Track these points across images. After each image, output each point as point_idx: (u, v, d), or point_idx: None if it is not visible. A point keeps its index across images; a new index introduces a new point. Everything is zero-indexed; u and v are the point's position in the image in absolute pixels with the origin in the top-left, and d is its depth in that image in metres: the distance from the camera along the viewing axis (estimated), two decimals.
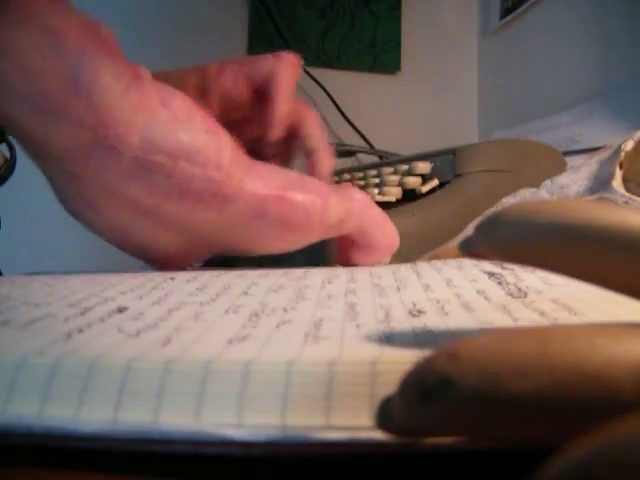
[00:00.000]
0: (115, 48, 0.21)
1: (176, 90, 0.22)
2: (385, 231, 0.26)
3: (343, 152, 0.70)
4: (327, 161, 0.34)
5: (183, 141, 0.20)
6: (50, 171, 0.22)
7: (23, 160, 0.26)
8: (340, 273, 0.24)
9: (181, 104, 0.21)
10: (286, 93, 0.34)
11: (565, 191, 0.35)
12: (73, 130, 0.19)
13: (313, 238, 0.24)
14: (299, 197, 0.22)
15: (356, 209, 0.24)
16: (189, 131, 0.21)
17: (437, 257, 0.31)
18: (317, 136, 0.34)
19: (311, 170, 0.34)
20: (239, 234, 0.23)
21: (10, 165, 0.42)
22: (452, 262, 0.27)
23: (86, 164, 0.20)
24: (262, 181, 0.22)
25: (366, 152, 0.75)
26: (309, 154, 0.34)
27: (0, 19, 0.18)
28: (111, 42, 0.21)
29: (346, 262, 0.27)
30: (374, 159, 0.76)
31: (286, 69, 0.36)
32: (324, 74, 0.94)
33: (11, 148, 0.42)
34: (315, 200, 0.23)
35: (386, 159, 0.64)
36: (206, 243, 0.23)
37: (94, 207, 0.21)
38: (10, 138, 0.40)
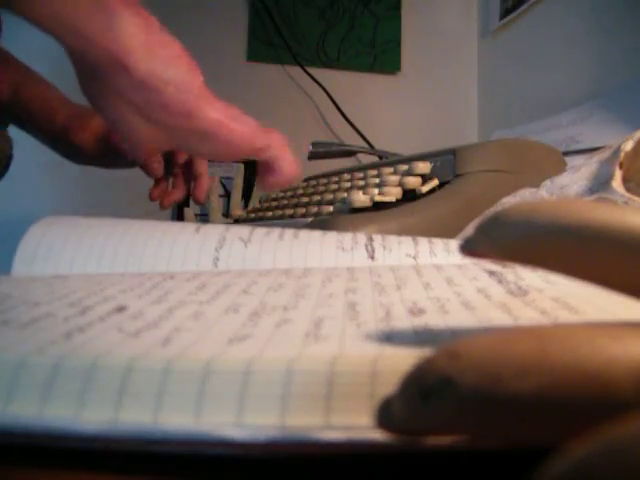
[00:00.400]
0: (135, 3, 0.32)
1: (173, 38, 0.33)
2: (290, 163, 0.37)
3: (343, 152, 0.69)
4: (205, 181, 0.52)
5: (172, 74, 0.32)
6: (83, 71, 0.33)
7: None
8: (340, 272, 0.24)
9: (175, 47, 0.33)
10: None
11: (565, 191, 0.35)
12: (109, 56, 0.30)
13: (242, 154, 0.36)
14: (238, 126, 0.34)
15: (274, 143, 0.36)
16: (178, 68, 0.32)
17: None
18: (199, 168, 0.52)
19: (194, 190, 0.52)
20: (195, 139, 0.34)
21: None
22: (452, 261, 0.27)
23: (111, 74, 0.31)
24: (216, 110, 0.34)
25: (366, 152, 0.75)
26: (194, 179, 0.52)
27: None
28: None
29: (260, 181, 0.39)
30: (374, 159, 0.76)
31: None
32: (324, 74, 0.94)
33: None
34: (247, 130, 0.35)
35: (386, 159, 0.64)
36: (171, 139, 0.35)
37: (108, 100, 0.33)
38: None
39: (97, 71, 0.31)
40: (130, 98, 0.31)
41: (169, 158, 0.51)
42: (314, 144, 0.67)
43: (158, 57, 0.31)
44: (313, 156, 0.66)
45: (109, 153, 0.51)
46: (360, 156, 0.86)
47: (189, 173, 0.52)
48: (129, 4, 0.31)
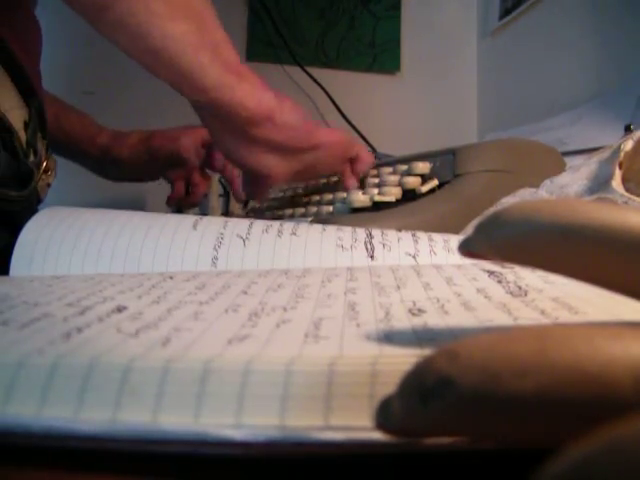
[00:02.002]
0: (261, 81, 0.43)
1: (286, 98, 0.44)
2: (366, 152, 0.52)
3: None
4: (240, 187, 0.60)
5: (295, 114, 0.44)
6: (226, 130, 0.43)
7: None
8: (340, 272, 0.24)
9: (286, 98, 0.43)
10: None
11: (565, 191, 0.35)
12: (261, 114, 0.42)
13: (345, 157, 0.50)
14: (339, 134, 0.49)
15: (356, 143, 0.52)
16: (294, 109, 0.44)
17: None
18: (232, 172, 0.64)
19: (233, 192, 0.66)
20: (313, 155, 0.46)
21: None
22: (451, 261, 0.27)
23: (258, 126, 0.42)
24: (323, 129, 0.49)
25: (378, 157, 0.75)
26: (229, 183, 0.66)
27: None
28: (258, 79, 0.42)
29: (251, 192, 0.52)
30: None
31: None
32: (323, 74, 0.94)
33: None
34: (343, 136, 0.50)
35: (378, 160, 0.65)
36: (297, 165, 0.46)
37: (247, 148, 0.44)
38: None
39: (246, 127, 0.42)
40: (274, 138, 0.43)
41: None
42: None
43: (285, 106, 0.43)
44: None
45: (145, 166, 0.63)
46: None
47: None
48: (259, 79, 0.42)
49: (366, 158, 0.50)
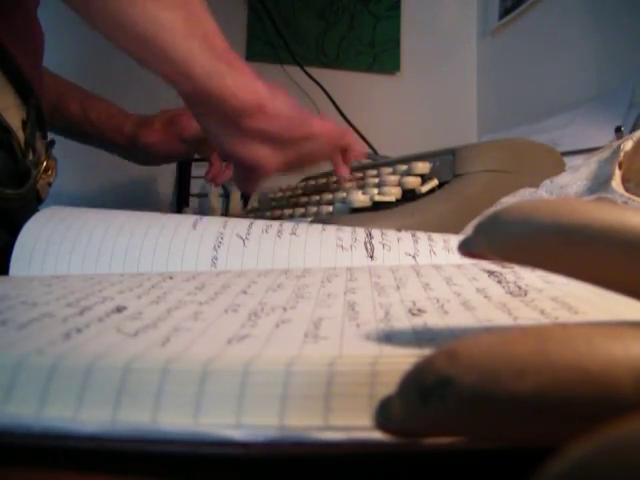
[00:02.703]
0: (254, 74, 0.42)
1: (278, 89, 0.43)
2: (356, 142, 0.53)
3: None
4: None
5: (288, 105, 0.43)
6: (219, 123, 0.42)
7: None
8: (339, 272, 0.24)
9: (279, 90, 0.43)
10: None
11: (564, 191, 0.35)
12: (254, 104, 0.41)
13: (336, 147, 0.49)
14: (331, 125, 0.48)
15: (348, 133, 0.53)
16: (287, 100, 0.43)
17: None
18: None
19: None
20: (306, 145, 0.46)
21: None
22: (451, 261, 0.27)
23: (251, 116, 0.41)
24: (315, 118, 0.47)
25: (371, 158, 0.75)
26: None
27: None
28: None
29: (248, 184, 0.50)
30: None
31: None
32: (323, 74, 0.94)
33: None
34: (334, 126, 0.49)
35: (373, 161, 0.65)
36: (289, 155, 0.45)
37: (240, 139, 0.43)
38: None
39: (237, 117, 0.41)
40: (266, 128, 0.42)
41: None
42: None
43: (277, 98, 0.42)
44: None
45: (172, 149, 0.63)
46: None
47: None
48: (250, 69, 0.41)
49: (357, 147, 0.51)
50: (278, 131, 0.43)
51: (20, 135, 0.40)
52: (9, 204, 0.38)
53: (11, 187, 0.38)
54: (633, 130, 0.56)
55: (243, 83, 0.40)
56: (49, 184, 0.46)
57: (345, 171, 0.50)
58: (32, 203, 0.43)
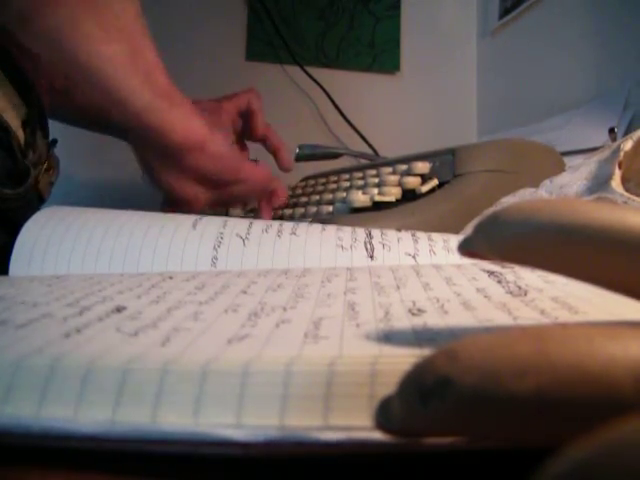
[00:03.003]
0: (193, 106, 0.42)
1: (216, 130, 0.43)
2: (282, 189, 0.52)
3: (328, 154, 0.69)
4: (286, 154, 0.59)
5: (227, 146, 0.45)
6: (154, 157, 0.43)
7: None
8: (339, 272, 0.24)
9: (223, 128, 0.50)
10: (261, 118, 0.58)
11: (564, 191, 0.35)
12: (191, 142, 0.41)
13: (265, 190, 0.50)
14: (264, 171, 0.48)
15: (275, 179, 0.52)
16: (227, 142, 0.45)
17: None
18: (276, 140, 0.59)
19: (278, 162, 0.59)
20: (236, 188, 0.46)
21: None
22: (451, 261, 0.27)
23: (187, 154, 0.42)
24: (250, 163, 0.48)
25: (352, 154, 0.75)
26: (273, 152, 0.59)
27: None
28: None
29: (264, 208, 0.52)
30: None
31: (257, 100, 0.59)
32: (323, 74, 0.94)
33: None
34: (267, 172, 0.49)
35: (370, 162, 0.65)
36: (220, 195, 0.46)
37: (174, 176, 0.44)
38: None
39: (174, 154, 0.41)
40: (203, 167, 0.42)
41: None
42: (300, 147, 0.68)
43: (217, 138, 0.42)
44: (299, 158, 0.67)
45: None
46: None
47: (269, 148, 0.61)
48: (192, 106, 0.41)
49: (282, 193, 0.52)
50: (213, 171, 0.43)
51: (20, 134, 0.39)
52: (8, 204, 0.38)
53: (9, 187, 0.38)
54: (627, 131, 0.57)
55: (183, 120, 0.40)
56: (51, 183, 0.46)
57: (268, 216, 0.52)
58: (33, 203, 0.42)
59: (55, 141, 0.47)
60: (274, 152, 0.59)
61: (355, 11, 0.98)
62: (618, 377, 0.08)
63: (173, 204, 0.47)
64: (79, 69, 0.36)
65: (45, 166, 0.44)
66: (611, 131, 0.55)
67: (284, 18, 0.95)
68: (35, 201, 0.43)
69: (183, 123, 0.40)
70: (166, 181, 0.44)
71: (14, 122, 0.39)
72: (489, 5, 0.97)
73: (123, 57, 0.37)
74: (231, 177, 0.45)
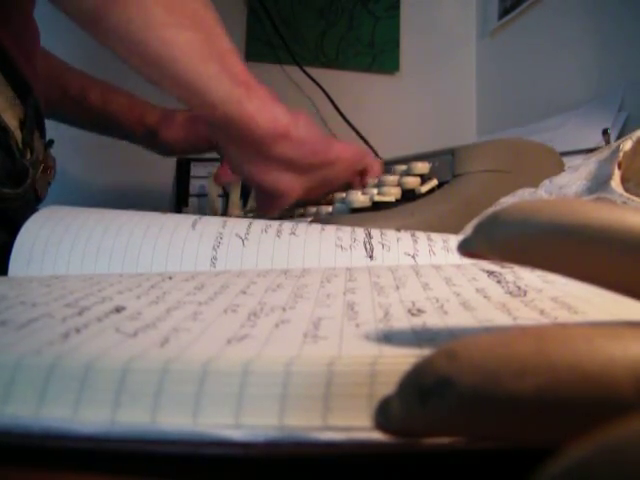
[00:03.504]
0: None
1: (299, 112, 0.42)
2: (376, 162, 0.52)
3: None
4: None
5: (310, 131, 0.43)
6: (242, 150, 0.42)
7: None
8: (339, 272, 0.24)
9: (301, 114, 0.42)
10: None
11: (564, 191, 0.35)
12: (277, 131, 0.40)
13: (357, 169, 0.49)
14: (354, 148, 0.48)
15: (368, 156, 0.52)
16: (309, 126, 0.43)
17: None
18: None
19: None
20: (326, 171, 0.45)
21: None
22: (451, 261, 0.27)
23: (274, 143, 0.41)
24: (338, 142, 0.48)
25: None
26: None
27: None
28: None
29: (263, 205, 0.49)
30: None
31: None
32: (322, 74, 0.94)
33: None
34: (356, 149, 0.49)
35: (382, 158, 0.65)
36: (310, 181, 0.45)
37: (263, 166, 0.43)
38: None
39: (259, 144, 0.40)
40: (290, 155, 0.41)
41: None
42: None
43: (299, 120, 0.41)
44: None
45: (194, 145, 0.61)
46: None
47: None
48: (269, 92, 0.40)
49: (376, 169, 0.50)
50: (302, 158, 0.42)
51: (18, 135, 0.39)
52: (7, 204, 0.38)
53: (9, 187, 0.38)
54: (621, 132, 0.57)
55: (263, 108, 0.39)
56: (48, 183, 0.45)
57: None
58: (31, 203, 0.42)
59: (52, 141, 0.47)
60: None
61: (354, 11, 0.98)
62: (617, 377, 0.08)
63: (267, 202, 0.46)
64: (152, 61, 0.36)
65: (42, 166, 0.44)
66: (604, 132, 0.55)
67: (283, 18, 0.95)
68: (33, 201, 0.43)
69: (264, 113, 0.39)
70: (255, 175, 0.43)
71: (12, 122, 0.39)
72: (488, 6, 0.97)
73: (197, 44, 0.36)
74: (321, 160, 0.43)
